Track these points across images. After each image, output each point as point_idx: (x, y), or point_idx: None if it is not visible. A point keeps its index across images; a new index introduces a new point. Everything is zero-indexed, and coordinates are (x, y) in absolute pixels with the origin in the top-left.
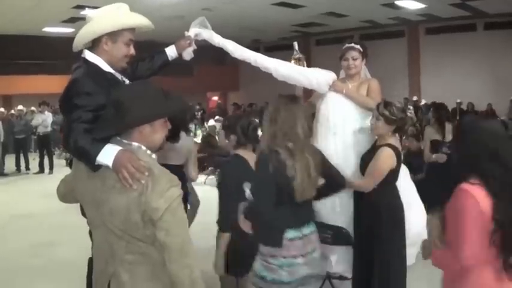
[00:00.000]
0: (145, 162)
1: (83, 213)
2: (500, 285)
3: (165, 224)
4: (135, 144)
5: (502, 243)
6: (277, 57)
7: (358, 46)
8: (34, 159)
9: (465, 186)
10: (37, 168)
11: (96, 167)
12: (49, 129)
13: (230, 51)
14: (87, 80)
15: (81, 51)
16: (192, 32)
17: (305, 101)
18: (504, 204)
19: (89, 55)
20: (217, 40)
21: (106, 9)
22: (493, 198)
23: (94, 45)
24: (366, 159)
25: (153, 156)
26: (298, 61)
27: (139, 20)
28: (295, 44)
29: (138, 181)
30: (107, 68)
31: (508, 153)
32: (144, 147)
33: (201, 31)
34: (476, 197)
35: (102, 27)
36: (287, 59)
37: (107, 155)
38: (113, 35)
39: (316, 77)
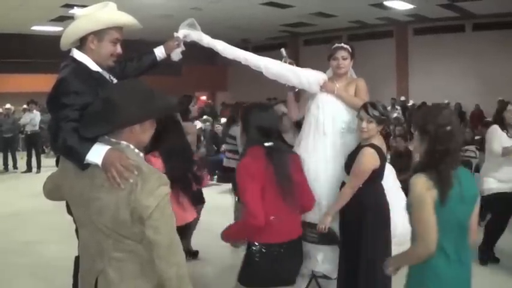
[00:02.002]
0: (134, 160)
1: (69, 212)
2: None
3: (154, 222)
4: (123, 143)
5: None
6: (265, 57)
7: (347, 46)
8: (22, 158)
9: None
10: (25, 167)
11: (84, 166)
12: (37, 128)
13: (220, 51)
14: (75, 79)
15: (70, 50)
16: (181, 33)
17: (296, 100)
18: (169, 165)
19: (77, 54)
20: (206, 41)
21: (92, 8)
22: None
23: (82, 44)
24: (350, 159)
25: (141, 154)
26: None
27: (124, 19)
28: (283, 51)
29: (127, 180)
30: (94, 67)
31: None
32: (132, 146)
33: (190, 32)
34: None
35: (86, 26)
36: (275, 58)
37: (96, 153)
38: (99, 34)
39: (307, 77)
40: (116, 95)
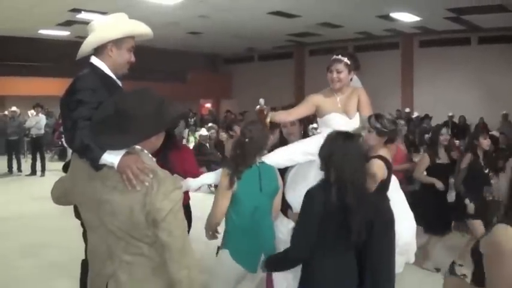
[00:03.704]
0: (149, 164)
1: (77, 216)
2: None
3: (168, 225)
4: (137, 147)
5: None
6: (271, 66)
7: (345, 59)
8: (26, 161)
9: None
10: (29, 170)
11: (99, 167)
12: (42, 131)
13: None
14: (92, 77)
15: (84, 57)
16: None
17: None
18: None
19: (93, 59)
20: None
21: (111, 17)
22: None
23: (97, 52)
24: None
25: (154, 159)
26: (261, 112)
27: (143, 28)
28: (261, 101)
29: (142, 183)
30: (109, 72)
31: None
32: (146, 151)
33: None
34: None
35: (108, 34)
36: (281, 67)
37: (113, 155)
38: (118, 42)
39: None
40: (131, 108)
